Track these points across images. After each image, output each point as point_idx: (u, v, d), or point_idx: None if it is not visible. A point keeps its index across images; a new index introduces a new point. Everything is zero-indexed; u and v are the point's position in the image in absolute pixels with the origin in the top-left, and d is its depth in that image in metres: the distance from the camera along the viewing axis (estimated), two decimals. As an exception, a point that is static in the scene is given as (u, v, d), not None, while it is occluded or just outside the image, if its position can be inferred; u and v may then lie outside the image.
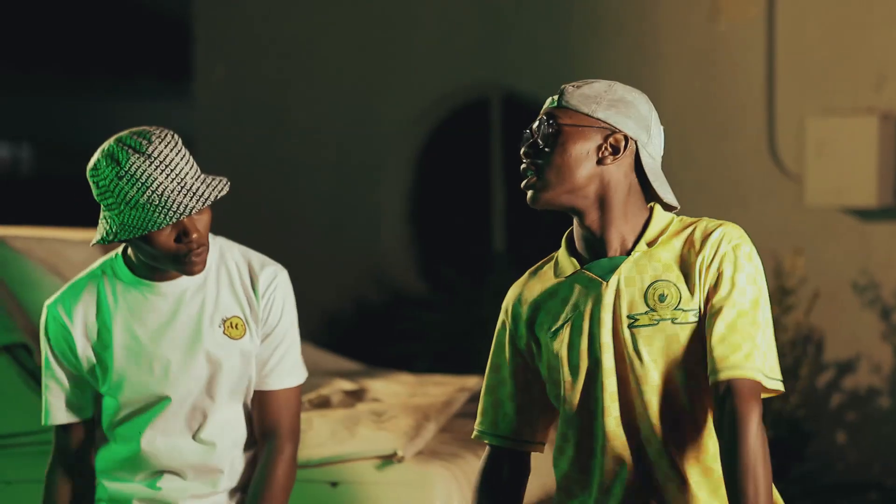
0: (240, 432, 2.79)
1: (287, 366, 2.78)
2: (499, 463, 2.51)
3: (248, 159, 7.93)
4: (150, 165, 2.56)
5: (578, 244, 2.41)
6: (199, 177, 2.61)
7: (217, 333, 2.71)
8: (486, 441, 2.53)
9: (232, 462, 2.78)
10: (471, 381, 4.42)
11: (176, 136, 2.64)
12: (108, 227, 2.61)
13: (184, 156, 2.61)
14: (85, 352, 2.73)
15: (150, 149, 2.57)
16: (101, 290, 2.73)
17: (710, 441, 2.33)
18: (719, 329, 2.29)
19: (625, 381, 2.33)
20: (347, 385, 4.21)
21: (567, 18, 7.11)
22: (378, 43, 7.72)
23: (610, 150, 2.36)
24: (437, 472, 3.59)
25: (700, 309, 2.32)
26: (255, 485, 2.75)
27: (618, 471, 2.34)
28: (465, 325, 6.53)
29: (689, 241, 2.36)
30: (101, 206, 2.65)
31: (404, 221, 7.80)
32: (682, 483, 2.32)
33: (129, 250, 2.73)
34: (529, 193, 2.39)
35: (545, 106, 2.43)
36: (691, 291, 2.32)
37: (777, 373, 2.31)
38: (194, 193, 2.57)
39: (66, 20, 13.17)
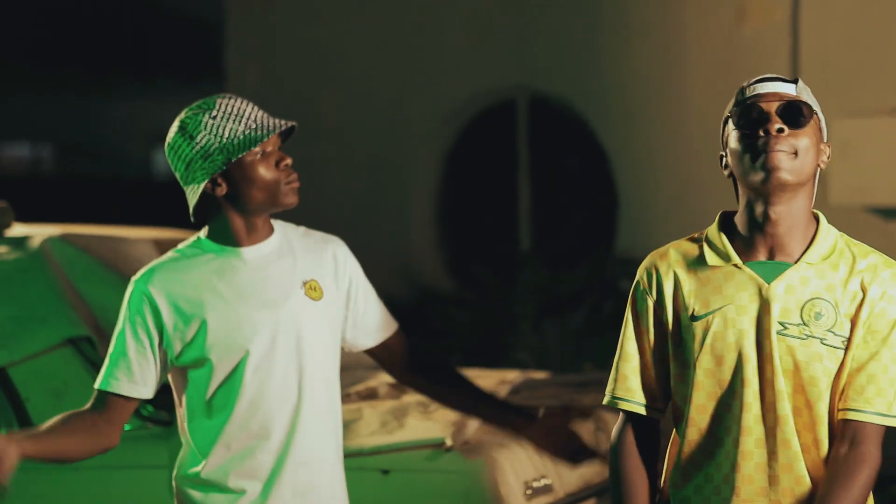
0: (326, 394, 2.89)
1: (388, 314, 3.03)
2: (636, 429, 2.55)
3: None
4: (236, 102, 2.83)
5: (744, 232, 2.45)
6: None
7: (299, 295, 2.85)
8: (619, 407, 2.55)
9: (327, 428, 2.88)
10: (510, 375, 4.54)
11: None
12: (213, 168, 2.78)
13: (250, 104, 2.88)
14: (174, 324, 2.83)
15: (227, 97, 2.85)
16: (187, 262, 2.86)
17: (820, 457, 2.41)
18: (871, 367, 2.38)
19: (768, 384, 2.40)
20: (391, 377, 4.33)
21: (593, 22, 7.23)
22: (407, 46, 7.84)
23: (826, 156, 2.45)
24: (484, 461, 3.69)
25: (847, 338, 2.39)
26: (448, 379, 3.07)
27: (743, 464, 2.42)
28: (496, 322, 6.65)
29: (855, 270, 2.42)
30: (195, 166, 2.81)
31: (433, 221, 7.92)
32: (804, 488, 2.40)
33: (209, 230, 2.88)
34: (768, 173, 2.38)
35: (771, 89, 2.44)
36: (846, 319, 2.39)
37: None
38: (275, 119, 2.84)
39: (90, 21, 13.31)
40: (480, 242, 7.77)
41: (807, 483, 2.41)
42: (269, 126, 2.80)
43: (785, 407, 2.39)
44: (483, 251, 7.59)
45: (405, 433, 3.75)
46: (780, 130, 2.38)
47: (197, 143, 2.82)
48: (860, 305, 2.39)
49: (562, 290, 6.78)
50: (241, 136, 2.79)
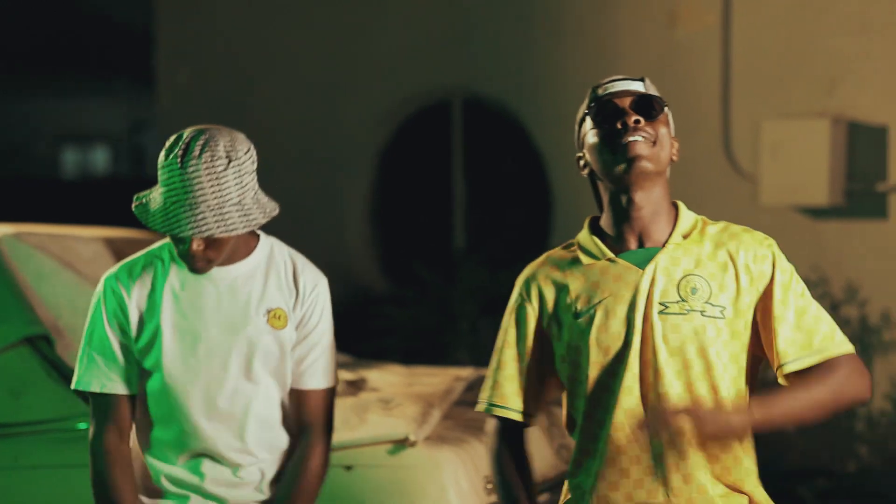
0: (277, 429, 2.92)
1: (321, 368, 2.93)
2: (509, 435, 2.65)
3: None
4: (178, 176, 2.71)
5: (610, 230, 2.57)
6: (218, 210, 2.71)
7: (261, 321, 2.85)
8: (494, 413, 2.64)
9: (268, 451, 2.91)
10: (464, 372, 4.59)
11: (232, 160, 2.74)
12: (151, 209, 2.78)
13: (217, 182, 2.72)
14: (137, 324, 2.86)
15: (191, 162, 2.71)
16: (158, 269, 2.87)
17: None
18: (788, 328, 2.51)
19: (648, 365, 2.49)
20: (348, 375, 4.37)
21: (528, 25, 7.31)
22: (343, 45, 7.86)
23: (676, 152, 2.58)
24: (446, 455, 3.75)
25: (732, 307, 2.50)
26: (290, 474, 2.89)
27: (626, 445, 2.50)
28: (435, 321, 6.69)
29: (720, 242, 2.55)
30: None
31: (367, 220, 7.94)
32: (686, 462, 2.48)
33: None
34: (628, 162, 2.50)
35: (622, 87, 2.56)
36: (721, 289, 2.50)
37: (846, 339, 2.54)
38: (196, 222, 2.70)
39: (16, 21, 13.11)
40: (415, 242, 7.80)
41: (693, 460, 2.47)
42: (172, 224, 2.71)
43: (664, 384, 2.47)
44: (418, 250, 7.62)
45: (367, 429, 3.79)
46: (637, 122, 2.50)
47: (159, 167, 2.79)
48: (738, 274, 2.51)
49: (499, 289, 6.84)
50: (159, 210, 2.74)
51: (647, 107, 2.54)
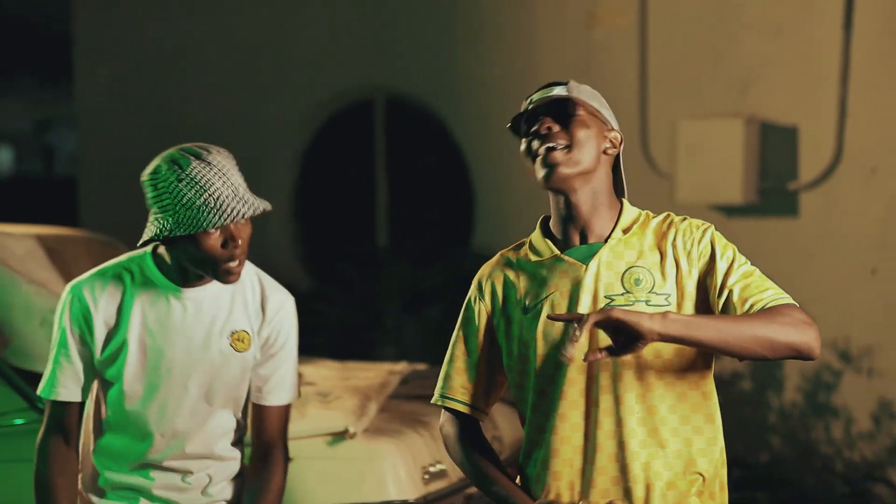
0: (228, 439, 2.99)
1: (286, 384, 3.00)
2: (461, 426, 2.73)
3: (133, 159, 7.97)
4: (209, 171, 2.75)
5: (556, 229, 2.66)
6: (247, 189, 2.81)
7: (224, 344, 2.90)
8: (445, 406, 2.73)
9: (217, 461, 2.98)
10: (398, 367, 4.67)
11: (229, 153, 2.82)
12: (160, 226, 2.76)
13: (237, 169, 2.81)
14: (101, 335, 2.89)
15: (210, 157, 2.76)
16: (127, 282, 2.89)
17: (671, 416, 2.56)
18: (737, 289, 2.54)
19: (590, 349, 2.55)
20: (283, 370, 4.42)
21: (449, 25, 7.40)
22: (265, 45, 7.88)
23: (610, 143, 2.65)
24: (384, 447, 3.83)
25: (675, 294, 2.57)
26: (255, 489, 2.96)
27: (569, 435, 2.58)
28: (361, 318, 6.75)
29: (660, 233, 2.63)
30: (154, 209, 2.80)
31: (290, 219, 7.98)
32: (625, 449, 2.55)
33: (160, 251, 2.90)
34: (548, 170, 2.58)
35: (543, 94, 2.65)
36: (664, 278, 2.58)
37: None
38: (246, 201, 2.76)
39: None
40: (338, 240, 7.85)
41: (630, 449, 2.54)
42: (226, 210, 2.74)
43: (606, 376, 2.54)
44: (341, 249, 7.67)
45: (307, 422, 3.86)
46: (549, 128, 2.58)
47: (157, 193, 2.79)
48: (678, 260, 2.58)
49: (422, 286, 6.93)
50: (193, 212, 2.75)
51: (562, 112, 2.61)
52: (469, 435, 2.72)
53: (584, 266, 2.61)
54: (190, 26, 8.08)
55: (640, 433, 2.56)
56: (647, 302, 2.57)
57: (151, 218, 2.83)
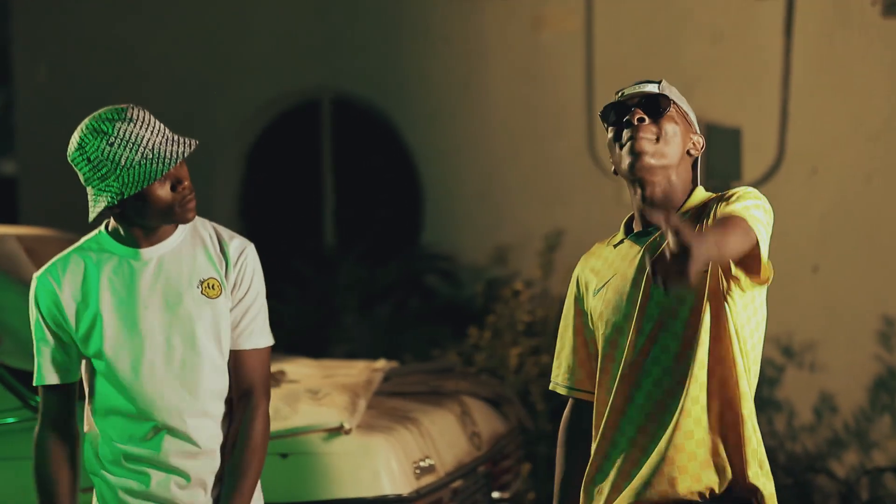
0: (223, 387, 3.02)
1: (257, 327, 3.04)
2: (577, 411, 2.87)
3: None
4: (135, 126, 2.85)
5: (636, 218, 2.77)
6: (184, 139, 2.90)
7: (196, 293, 2.96)
8: (559, 392, 2.88)
9: (216, 418, 3.02)
10: (378, 364, 4.74)
11: (139, 106, 2.92)
12: (110, 195, 2.85)
13: (156, 119, 2.91)
14: (75, 315, 2.95)
15: (129, 114, 2.86)
16: (88, 260, 2.97)
17: (719, 388, 2.64)
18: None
19: (645, 333, 2.66)
20: (266, 368, 4.46)
21: (396, 27, 7.48)
22: (210, 45, 7.88)
23: (693, 145, 2.76)
24: (378, 442, 3.91)
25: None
26: (239, 440, 3.00)
27: (633, 413, 2.69)
28: (318, 314, 6.79)
29: (707, 206, 2.70)
30: (93, 182, 2.87)
31: (236, 219, 7.99)
32: (682, 425, 2.63)
33: (112, 224, 2.98)
34: (633, 158, 2.67)
35: (636, 90, 2.74)
36: None
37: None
38: (178, 142, 2.86)
39: None
40: (286, 239, 7.88)
41: (670, 414, 2.63)
42: (166, 156, 2.84)
43: (667, 341, 2.64)
44: (289, 248, 7.70)
45: (301, 418, 3.91)
46: (641, 120, 2.69)
47: (92, 165, 2.87)
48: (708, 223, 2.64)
49: (375, 285, 6.99)
50: (136, 169, 2.83)
51: (654, 106, 2.71)
52: (576, 421, 2.87)
53: (640, 247, 2.71)
54: (132, 26, 8.04)
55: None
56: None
57: (93, 192, 2.89)
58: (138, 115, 2.86)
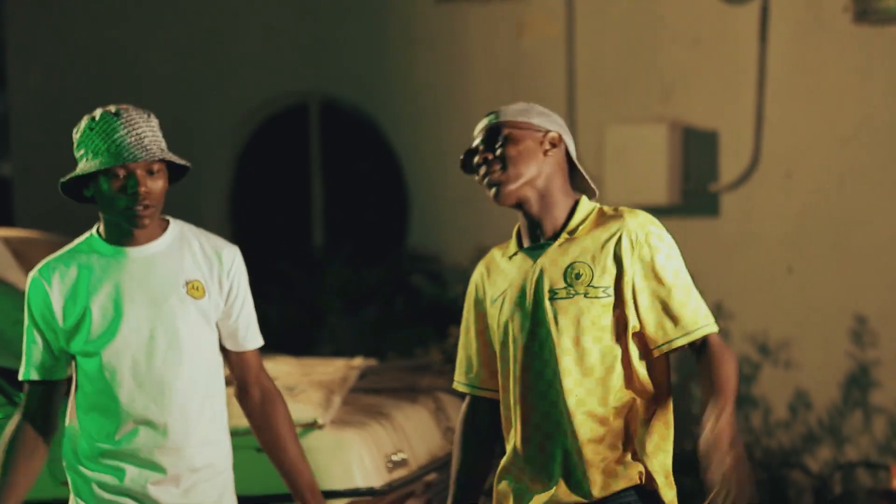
0: (199, 384, 3.15)
1: (254, 329, 3.26)
2: (474, 408, 3.05)
3: (68, 165, 8.08)
4: (116, 121, 3.03)
5: (523, 231, 2.95)
6: (158, 143, 3.06)
7: (181, 293, 3.11)
8: (461, 390, 3.06)
9: (192, 415, 3.14)
10: (355, 362, 4.89)
11: (153, 116, 3.10)
12: (73, 174, 3.05)
13: (151, 126, 3.07)
14: (62, 312, 3.08)
15: (122, 112, 3.05)
16: (79, 259, 3.11)
17: (610, 396, 2.80)
18: (658, 303, 2.81)
19: (542, 344, 2.83)
20: (246, 366, 4.61)
21: (383, 32, 7.62)
22: (200, 49, 8.00)
23: (549, 144, 2.90)
24: (351, 437, 4.05)
25: (613, 287, 2.79)
26: (274, 426, 3.25)
27: (529, 414, 2.86)
28: (301, 316, 6.93)
29: (607, 229, 2.84)
30: (77, 163, 3.07)
31: (225, 222, 8.11)
32: (573, 426, 2.80)
33: (101, 228, 3.14)
34: (494, 191, 2.89)
35: (482, 126, 2.93)
36: (603, 272, 2.81)
37: (710, 316, 2.86)
38: (146, 149, 3.02)
39: None
40: (275, 242, 8.01)
41: (562, 426, 2.82)
42: (122, 153, 3.00)
43: (560, 355, 2.81)
44: (278, 250, 7.83)
45: (276, 414, 4.04)
46: (485, 158, 2.89)
47: (76, 146, 3.10)
48: (618, 260, 2.81)
49: (361, 286, 7.12)
50: (98, 155, 3.02)
51: (491, 138, 2.90)
52: (473, 418, 3.04)
53: (534, 262, 2.88)
54: (124, 30, 8.17)
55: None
56: (584, 295, 2.81)
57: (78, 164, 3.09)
58: (128, 116, 3.03)
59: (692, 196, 6.85)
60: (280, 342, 6.88)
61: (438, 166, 7.39)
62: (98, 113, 3.05)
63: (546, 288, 2.84)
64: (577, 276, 2.83)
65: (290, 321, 6.96)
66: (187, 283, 3.11)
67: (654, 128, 6.76)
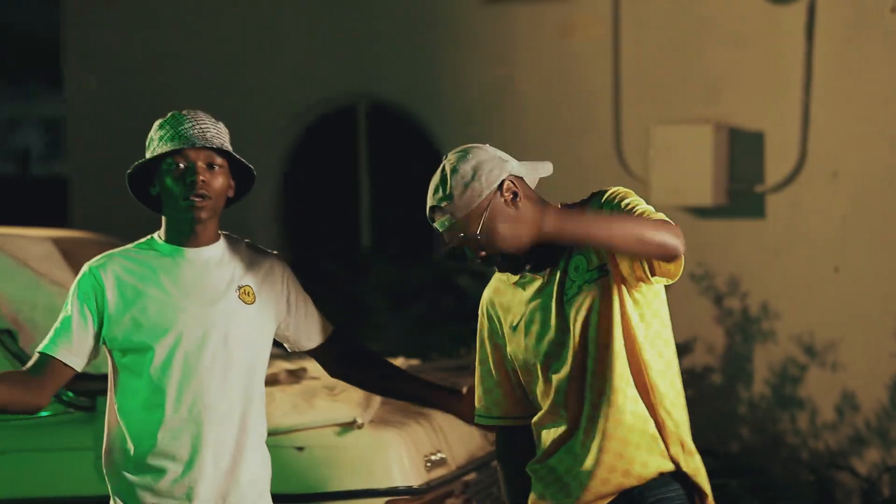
0: (244, 388, 3.20)
1: (325, 319, 3.45)
2: (508, 440, 3.09)
3: (122, 167, 8.19)
4: (184, 118, 3.16)
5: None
6: (221, 139, 3.17)
7: (233, 297, 3.18)
8: (487, 424, 3.10)
9: (235, 418, 3.18)
10: (397, 362, 4.93)
11: (222, 124, 3.22)
12: (137, 165, 3.16)
13: (217, 127, 3.20)
14: (116, 299, 3.13)
15: (190, 112, 3.19)
16: (137, 254, 3.19)
17: (628, 388, 2.87)
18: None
19: (567, 345, 2.89)
20: (289, 365, 4.68)
21: (430, 34, 7.67)
22: (249, 52, 8.10)
23: (509, 195, 2.90)
24: (390, 436, 4.10)
25: (604, 262, 2.87)
26: (392, 365, 3.42)
27: (581, 415, 2.92)
28: (348, 315, 7.00)
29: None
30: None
31: (275, 223, 8.19)
32: (604, 409, 2.87)
33: (161, 230, 3.22)
34: (497, 269, 2.98)
35: (439, 230, 2.95)
36: (595, 254, 2.89)
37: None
38: (208, 140, 3.12)
39: None
40: (323, 242, 8.08)
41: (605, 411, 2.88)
42: (180, 139, 3.10)
43: (590, 347, 2.88)
44: (326, 250, 7.90)
45: (317, 413, 4.11)
46: (462, 252, 2.95)
47: (147, 143, 3.20)
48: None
49: (407, 285, 7.18)
50: (155, 147, 3.15)
51: (459, 239, 2.93)
52: (509, 450, 3.09)
53: (542, 278, 2.95)
54: (176, 34, 8.28)
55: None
56: (586, 281, 2.88)
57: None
58: (194, 115, 3.17)
59: (738, 197, 6.83)
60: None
61: (484, 167, 7.40)
62: (172, 113, 3.19)
63: (560, 294, 2.91)
64: (577, 268, 2.91)
65: (335, 320, 7.02)
66: (240, 288, 3.19)
67: (699, 128, 6.75)
